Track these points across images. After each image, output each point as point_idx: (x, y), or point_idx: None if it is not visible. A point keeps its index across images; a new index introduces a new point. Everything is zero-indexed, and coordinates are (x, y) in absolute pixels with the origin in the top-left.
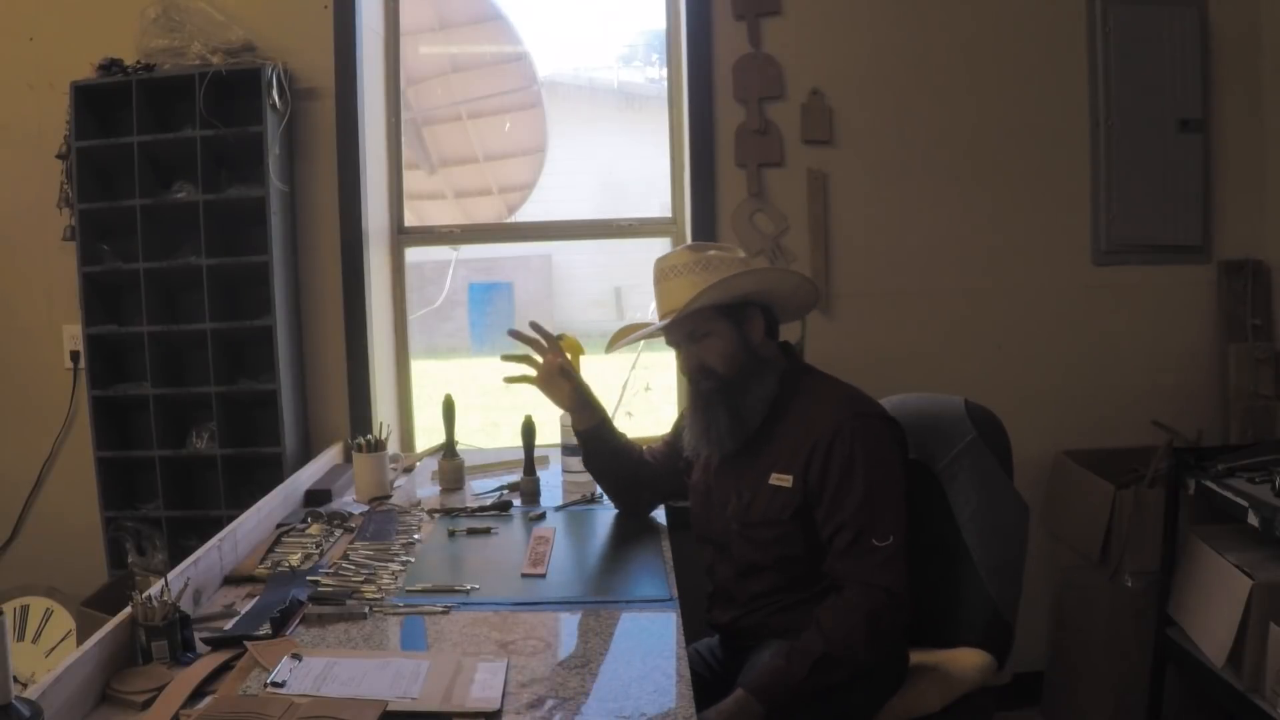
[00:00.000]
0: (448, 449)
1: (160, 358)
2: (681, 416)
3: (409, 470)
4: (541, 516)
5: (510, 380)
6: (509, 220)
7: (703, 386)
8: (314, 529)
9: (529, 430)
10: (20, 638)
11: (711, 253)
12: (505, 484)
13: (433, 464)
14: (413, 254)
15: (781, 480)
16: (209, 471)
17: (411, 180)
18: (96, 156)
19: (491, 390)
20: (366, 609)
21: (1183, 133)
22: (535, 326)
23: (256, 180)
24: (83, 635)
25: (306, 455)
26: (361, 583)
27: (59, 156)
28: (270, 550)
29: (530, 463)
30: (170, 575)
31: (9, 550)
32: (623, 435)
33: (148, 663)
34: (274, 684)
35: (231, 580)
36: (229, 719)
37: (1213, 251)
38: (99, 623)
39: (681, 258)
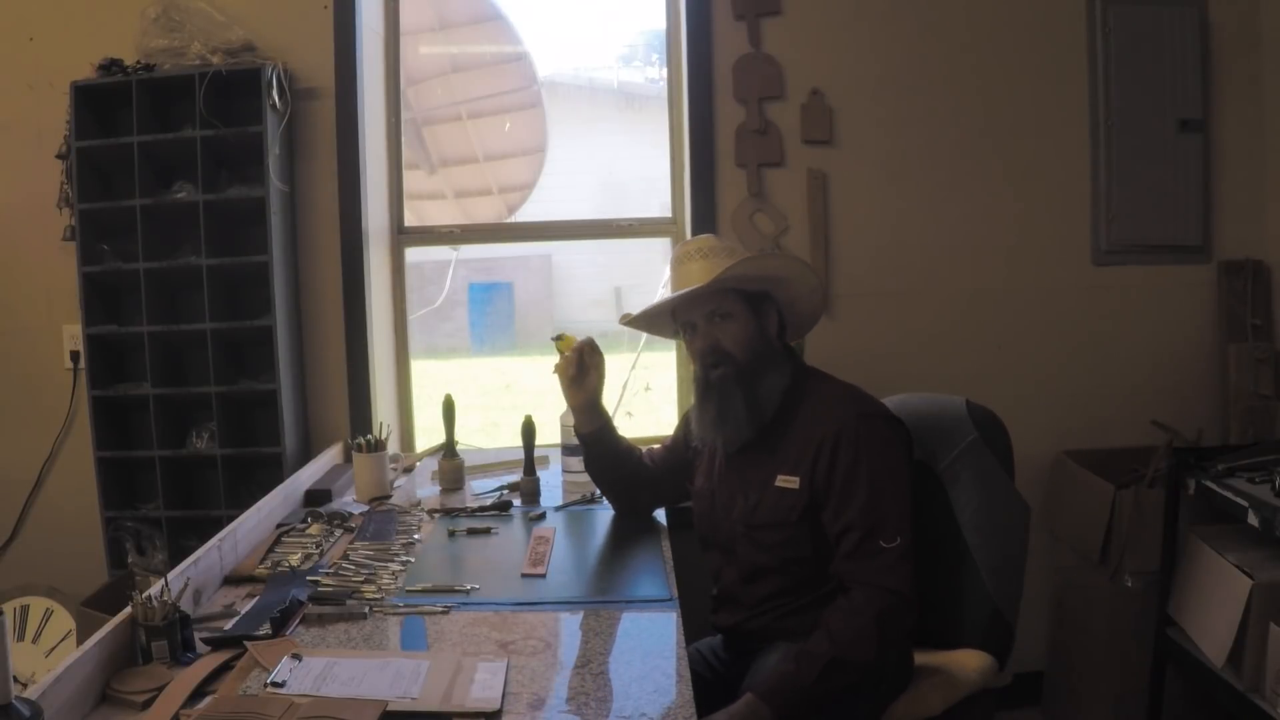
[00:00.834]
0: (448, 449)
1: (160, 358)
2: (684, 421)
3: (409, 470)
4: (541, 516)
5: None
6: (509, 220)
7: (713, 374)
8: (314, 529)
9: (529, 430)
10: (20, 638)
11: (736, 246)
12: (505, 484)
13: (433, 464)
14: (413, 254)
15: (788, 482)
16: (209, 471)
17: (411, 180)
18: (96, 156)
19: (491, 390)
20: (366, 609)
21: (1183, 133)
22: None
23: (256, 180)
24: (83, 635)
25: (306, 455)
26: (361, 583)
27: (59, 156)
28: (270, 550)
29: (530, 463)
30: (170, 575)
31: (9, 550)
32: (623, 439)
33: (148, 663)
34: (274, 684)
35: (231, 580)
36: (229, 719)
37: (1213, 251)
38: (99, 623)
39: (706, 243)
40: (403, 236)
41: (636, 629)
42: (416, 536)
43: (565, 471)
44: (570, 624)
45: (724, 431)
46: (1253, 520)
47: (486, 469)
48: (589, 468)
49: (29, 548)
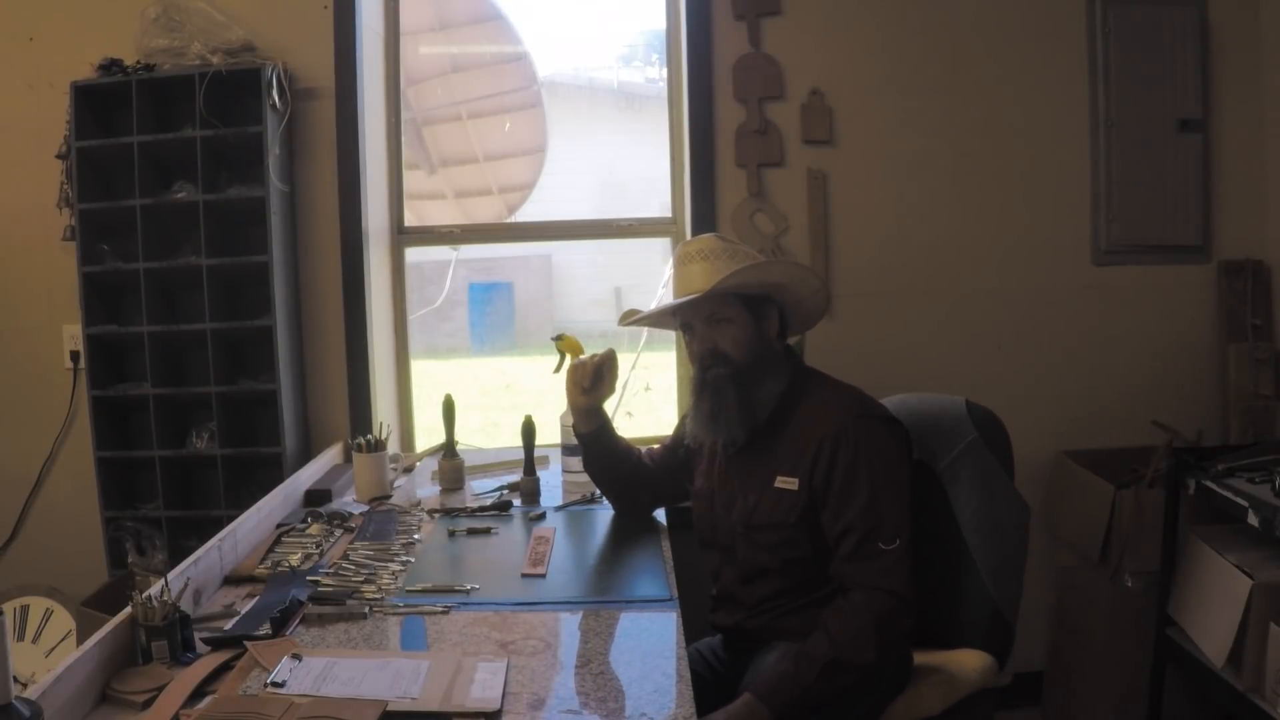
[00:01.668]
0: (448, 449)
1: (160, 358)
2: (683, 421)
3: (409, 470)
4: (541, 516)
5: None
6: (509, 220)
7: (710, 374)
8: (314, 529)
9: (529, 430)
10: (20, 638)
11: (738, 245)
12: (505, 484)
13: (433, 464)
14: (413, 254)
15: (787, 483)
16: (209, 471)
17: (411, 180)
18: (96, 156)
19: (491, 390)
20: (366, 609)
21: (1183, 133)
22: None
23: (256, 180)
24: (83, 635)
25: (306, 455)
26: (361, 583)
27: (59, 156)
28: (270, 550)
29: (530, 463)
30: (170, 575)
31: (9, 550)
32: (622, 438)
33: (148, 663)
34: (274, 684)
35: (231, 580)
36: (229, 719)
37: (1213, 251)
38: (99, 623)
39: (709, 244)
40: (403, 236)
41: (636, 629)
42: (416, 536)
43: (565, 471)
44: (570, 624)
45: (716, 430)
46: (1253, 520)
47: (486, 469)
48: (588, 467)
49: (29, 548)
